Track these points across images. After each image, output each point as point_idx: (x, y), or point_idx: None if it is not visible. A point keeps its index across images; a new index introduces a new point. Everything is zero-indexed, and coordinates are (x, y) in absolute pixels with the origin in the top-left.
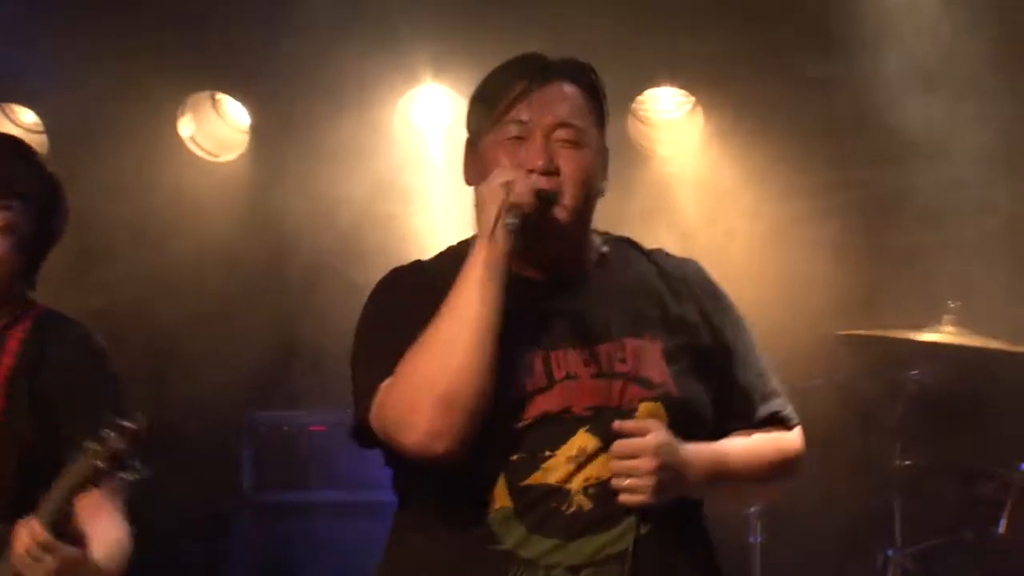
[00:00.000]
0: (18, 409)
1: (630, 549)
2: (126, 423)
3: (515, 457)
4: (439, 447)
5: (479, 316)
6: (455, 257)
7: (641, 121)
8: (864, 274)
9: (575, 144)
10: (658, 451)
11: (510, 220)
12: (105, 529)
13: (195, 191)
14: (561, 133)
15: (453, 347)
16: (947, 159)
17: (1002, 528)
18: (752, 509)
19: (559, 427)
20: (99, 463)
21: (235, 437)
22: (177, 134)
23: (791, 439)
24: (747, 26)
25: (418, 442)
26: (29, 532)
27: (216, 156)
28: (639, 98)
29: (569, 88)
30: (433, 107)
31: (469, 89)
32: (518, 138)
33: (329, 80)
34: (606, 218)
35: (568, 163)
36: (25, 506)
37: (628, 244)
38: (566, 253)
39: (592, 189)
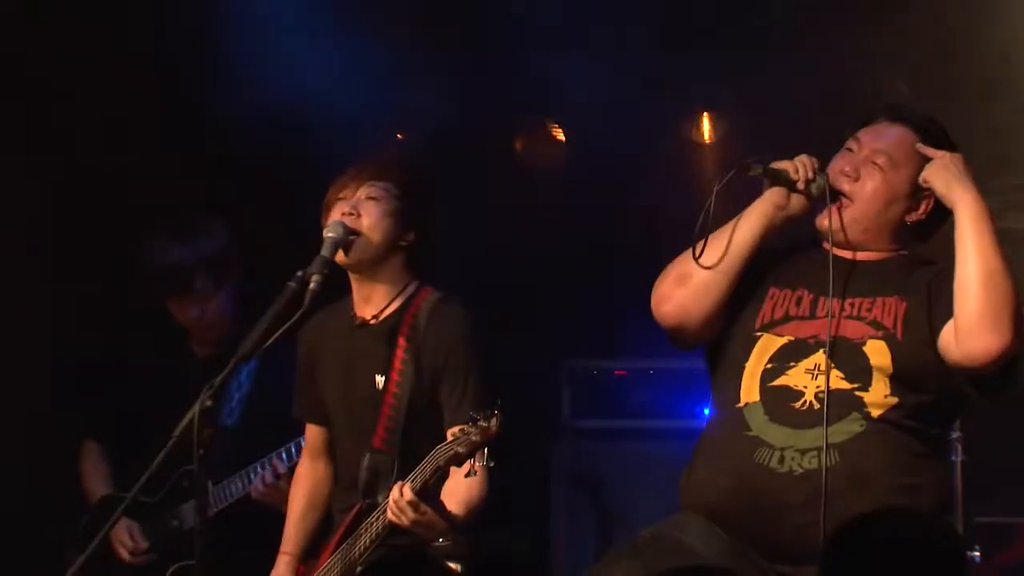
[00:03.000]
0: (407, 373)
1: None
2: (481, 422)
3: (769, 365)
4: (664, 308)
5: (738, 232)
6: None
7: None
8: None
9: (880, 167)
10: None
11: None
12: (457, 490)
13: (526, 192)
14: (876, 157)
15: (717, 245)
16: None
17: None
18: (955, 434)
19: (805, 347)
20: (459, 450)
21: (556, 379)
22: (515, 148)
23: None
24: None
25: (654, 301)
26: (400, 491)
27: (543, 165)
28: None
29: (900, 129)
30: None
31: None
32: (850, 150)
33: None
34: None
35: (868, 177)
36: (407, 444)
37: (922, 262)
38: (860, 244)
39: (879, 203)
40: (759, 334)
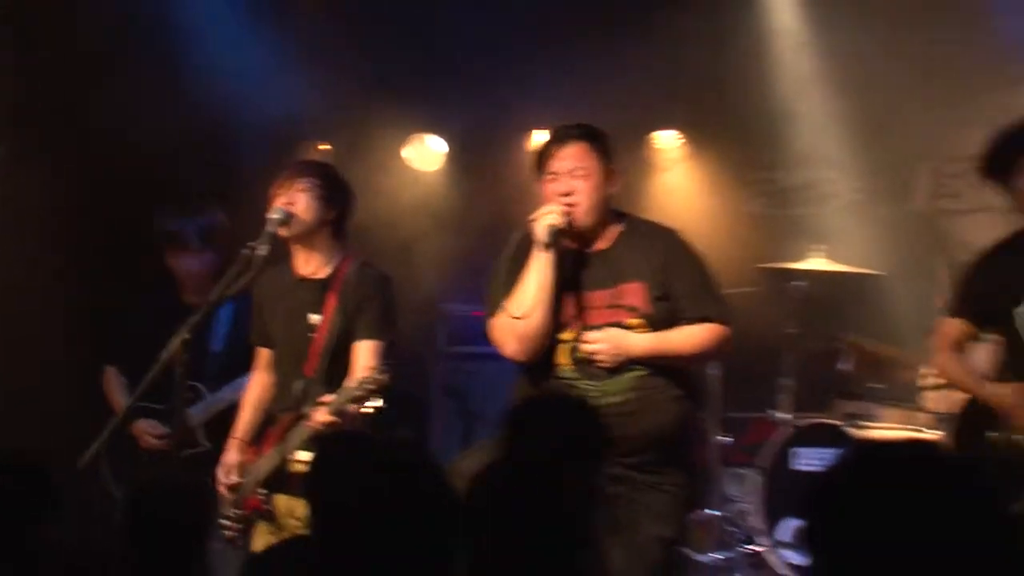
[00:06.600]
0: (336, 317)
1: (637, 381)
2: (377, 376)
3: (571, 344)
4: (518, 358)
5: (537, 289)
6: (526, 235)
7: (652, 149)
8: (768, 232)
9: (581, 175)
10: (607, 343)
11: (548, 237)
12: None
13: (413, 188)
14: (573, 172)
15: (523, 303)
16: (817, 167)
17: (847, 366)
18: (713, 368)
19: (591, 330)
20: (359, 394)
21: (435, 320)
22: (401, 156)
23: (714, 328)
24: (713, 89)
25: (507, 355)
26: (322, 413)
27: (424, 169)
28: (651, 136)
29: (576, 144)
30: None
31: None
32: (553, 180)
33: (493, 122)
34: (635, 203)
35: (576, 184)
36: (331, 371)
37: (640, 222)
38: (589, 234)
39: (597, 198)
40: (559, 334)
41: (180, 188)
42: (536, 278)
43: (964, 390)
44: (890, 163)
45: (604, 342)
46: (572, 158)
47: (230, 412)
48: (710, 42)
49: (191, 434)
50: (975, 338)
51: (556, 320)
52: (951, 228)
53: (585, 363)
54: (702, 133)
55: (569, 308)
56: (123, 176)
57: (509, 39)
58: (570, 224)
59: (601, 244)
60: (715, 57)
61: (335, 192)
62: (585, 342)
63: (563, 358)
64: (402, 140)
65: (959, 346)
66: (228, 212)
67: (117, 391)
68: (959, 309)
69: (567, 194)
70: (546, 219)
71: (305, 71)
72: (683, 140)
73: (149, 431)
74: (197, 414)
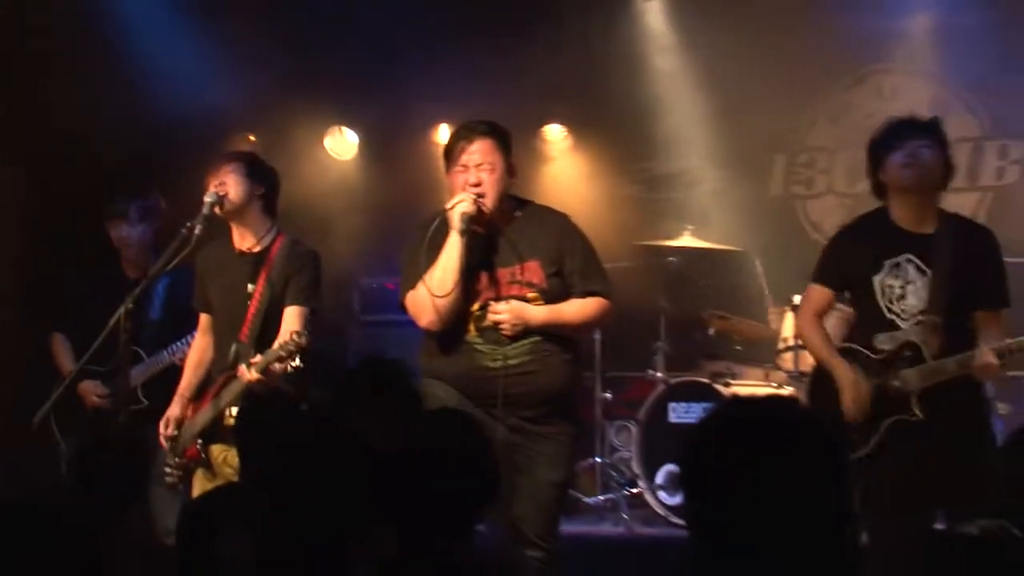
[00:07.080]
0: (268, 288)
1: (533, 346)
2: (296, 339)
3: (478, 314)
4: (434, 328)
5: (454, 270)
6: (442, 220)
7: (542, 141)
8: (644, 214)
9: (488, 168)
10: (510, 313)
11: (462, 223)
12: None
13: (331, 174)
14: (482, 167)
15: (444, 283)
16: (686, 157)
17: (712, 333)
18: (596, 334)
19: (496, 303)
20: (283, 355)
21: (351, 291)
22: (323, 145)
23: (600, 302)
24: (598, 88)
25: (423, 325)
26: (247, 371)
27: (341, 157)
28: (542, 130)
29: (483, 140)
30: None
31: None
32: (463, 172)
33: (401, 116)
34: (527, 190)
35: (485, 177)
36: (262, 336)
37: (536, 207)
38: (494, 219)
39: (501, 188)
40: (469, 306)
41: (124, 174)
42: (454, 259)
43: (815, 357)
44: (749, 153)
45: (508, 312)
46: (480, 152)
47: (166, 373)
48: (590, 45)
49: (132, 392)
50: (833, 304)
51: (467, 294)
52: (802, 210)
53: (490, 331)
54: (584, 127)
55: (478, 284)
56: (74, 164)
57: (414, 41)
58: (480, 211)
59: (504, 228)
60: (594, 58)
61: (260, 170)
62: (492, 313)
63: (471, 326)
64: (319, 132)
65: (822, 312)
66: (166, 197)
67: (63, 354)
68: (823, 276)
69: (476, 185)
70: (460, 207)
71: (232, 71)
72: (567, 134)
73: (93, 391)
74: (137, 375)
